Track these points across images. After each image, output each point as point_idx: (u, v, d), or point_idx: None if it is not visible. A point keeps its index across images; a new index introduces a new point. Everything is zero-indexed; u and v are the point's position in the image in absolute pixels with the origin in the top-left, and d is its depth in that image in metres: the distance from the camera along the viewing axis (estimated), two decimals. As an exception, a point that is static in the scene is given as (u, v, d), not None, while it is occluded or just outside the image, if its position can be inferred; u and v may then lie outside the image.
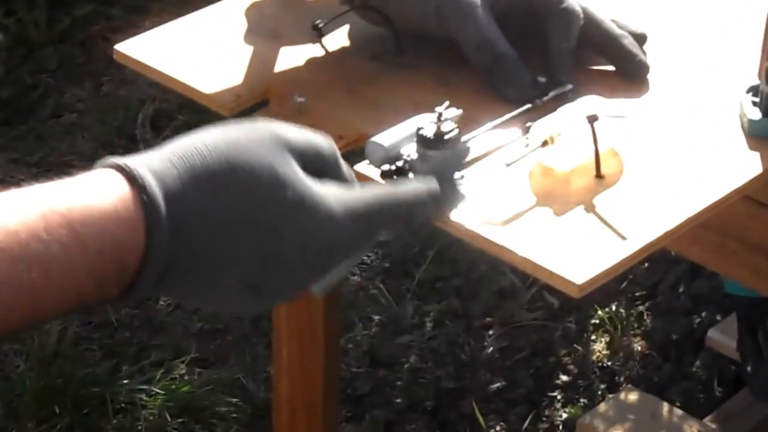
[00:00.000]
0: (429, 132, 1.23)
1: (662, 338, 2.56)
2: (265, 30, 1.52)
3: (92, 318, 2.59)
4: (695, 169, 1.33)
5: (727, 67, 1.48)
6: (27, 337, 2.49)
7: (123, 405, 2.42)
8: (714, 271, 1.79)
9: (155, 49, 1.49)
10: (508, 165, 1.28)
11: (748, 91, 1.40)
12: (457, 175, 1.25)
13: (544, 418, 2.44)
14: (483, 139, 1.32)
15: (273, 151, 0.91)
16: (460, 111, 1.27)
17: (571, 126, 1.30)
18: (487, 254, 1.24)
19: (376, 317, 2.61)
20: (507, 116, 1.36)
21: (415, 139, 1.24)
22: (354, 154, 1.27)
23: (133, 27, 3.26)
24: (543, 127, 1.31)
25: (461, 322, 2.60)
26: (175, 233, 0.87)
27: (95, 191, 0.86)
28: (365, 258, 2.72)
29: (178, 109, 3.01)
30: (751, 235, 1.49)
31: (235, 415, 2.41)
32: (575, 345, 2.56)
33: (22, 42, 3.26)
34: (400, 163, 1.23)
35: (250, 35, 1.51)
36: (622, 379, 2.50)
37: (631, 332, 2.59)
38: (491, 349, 2.56)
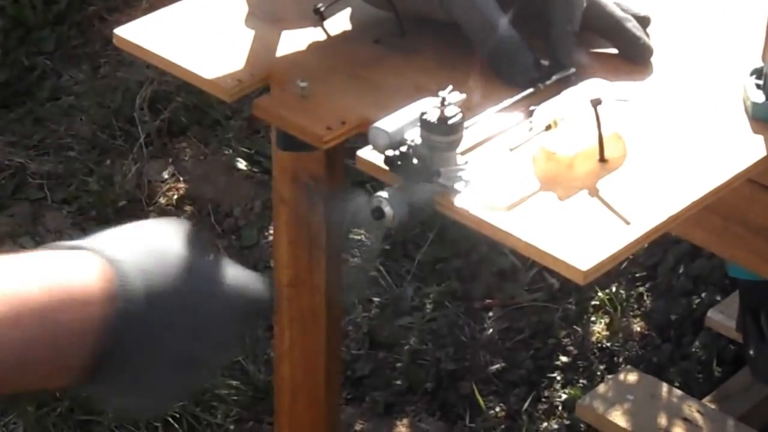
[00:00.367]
0: (432, 117, 1.23)
1: (662, 319, 2.56)
2: (266, 14, 1.51)
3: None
4: (699, 152, 1.33)
5: (731, 50, 1.47)
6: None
7: (123, 388, 2.42)
8: (717, 254, 1.78)
9: (155, 33, 1.48)
10: (511, 150, 1.27)
11: (751, 74, 1.39)
12: (460, 159, 1.25)
13: (543, 399, 2.44)
14: (486, 123, 1.31)
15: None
16: (463, 95, 1.26)
17: (574, 110, 1.29)
18: (488, 236, 1.24)
19: (376, 299, 2.60)
20: (510, 100, 1.35)
21: (418, 124, 1.24)
22: (358, 139, 1.27)
23: (130, 7, 3.25)
24: (546, 111, 1.30)
25: (461, 303, 2.60)
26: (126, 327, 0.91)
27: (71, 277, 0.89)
28: (365, 239, 2.72)
29: (176, 91, 3.00)
30: (755, 219, 1.49)
31: (235, 397, 2.41)
32: (575, 326, 2.56)
33: (18, 24, 3.25)
34: (403, 149, 1.23)
35: (251, 19, 1.50)
36: (621, 359, 2.50)
37: (631, 313, 2.59)
38: (491, 330, 2.56)
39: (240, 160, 2.89)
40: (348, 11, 1.52)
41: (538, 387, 2.45)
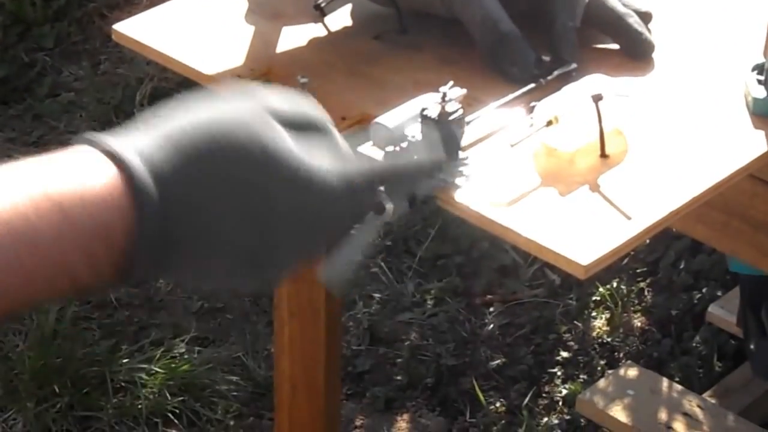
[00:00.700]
0: (433, 113, 1.23)
1: (662, 314, 2.56)
2: (267, 9, 1.51)
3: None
4: (700, 148, 1.33)
5: (732, 46, 1.47)
6: (26, 317, 2.48)
7: (123, 384, 2.42)
8: (718, 249, 1.78)
9: (154, 28, 1.48)
10: (512, 145, 1.27)
11: (753, 70, 1.39)
12: (461, 155, 1.25)
13: (544, 395, 2.44)
14: (487, 119, 1.31)
15: (262, 126, 0.90)
16: (464, 91, 1.26)
17: (575, 105, 1.29)
18: (489, 232, 1.24)
19: (377, 295, 2.60)
20: (511, 96, 1.35)
21: (419, 119, 1.23)
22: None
23: (130, 4, 3.25)
24: (547, 107, 1.30)
25: (462, 299, 2.60)
26: (166, 217, 0.86)
27: (84, 175, 0.86)
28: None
29: (176, 88, 2.99)
30: (756, 214, 1.49)
31: (235, 393, 2.41)
32: (575, 321, 2.56)
33: (18, 20, 3.25)
34: (404, 144, 1.22)
35: (252, 15, 1.50)
36: (621, 355, 2.50)
37: (632, 308, 2.59)
38: (492, 326, 2.56)
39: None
40: (348, 7, 1.52)
41: (539, 382, 2.46)
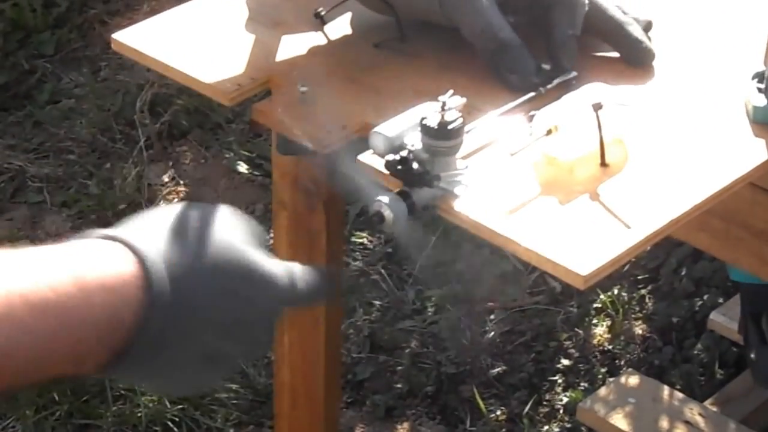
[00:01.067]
0: (432, 122, 1.22)
1: (664, 321, 2.56)
2: (267, 18, 1.51)
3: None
4: (700, 156, 1.32)
5: (732, 54, 1.47)
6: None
7: (122, 392, 2.41)
8: (719, 258, 1.78)
9: (154, 37, 1.48)
10: (512, 154, 1.27)
11: (753, 78, 1.39)
12: (461, 164, 1.24)
13: (544, 403, 2.44)
14: (487, 127, 1.31)
15: (251, 245, 0.97)
16: (464, 99, 1.26)
17: (575, 114, 1.29)
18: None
19: (377, 302, 2.60)
20: (511, 104, 1.35)
21: (419, 128, 1.23)
22: (359, 143, 1.27)
23: (130, 10, 3.24)
24: (547, 115, 1.30)
25: (463, 306, 2.59)
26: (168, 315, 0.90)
27: (110, 275, 0.89)
28: (367, 243, 2.71)
29: (177, 94, 2.99)
30: (756, 222, 1.48)
31: (235, 401, 2.41)
32: (576, 329, 2.56)
33: (18, 27, 3.25)
34: (404, 153, 1.22)
35: (251, 23, 1.50)
36: (622, 362, 2.50)
37: (633, 316, 2.58)
38: (492, 333, 2.55)
39: (241, 163, 2.88)
40: (348, 15, 1.51)
41: (540, 390, 2.45)
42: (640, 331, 2.56)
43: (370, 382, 2.47)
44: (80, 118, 3.03)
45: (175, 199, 2.81)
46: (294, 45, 1.47)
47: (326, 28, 1.50)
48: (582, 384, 2.46)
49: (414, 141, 1.23)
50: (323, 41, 1.48)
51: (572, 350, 2.53)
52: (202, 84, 1.41)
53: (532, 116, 1.31)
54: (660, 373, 2.44)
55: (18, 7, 3.26)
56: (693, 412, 2.19)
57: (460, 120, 1.23)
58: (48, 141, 2.97)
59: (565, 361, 2.50)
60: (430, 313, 2.59)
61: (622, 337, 2.54)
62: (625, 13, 1.45)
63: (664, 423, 2.18)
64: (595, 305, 2.60)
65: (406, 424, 2.41)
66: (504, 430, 2.38)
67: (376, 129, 1.24)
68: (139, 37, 1.47)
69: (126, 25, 1.51)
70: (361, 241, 2.70)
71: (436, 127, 1.22)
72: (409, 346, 2.53)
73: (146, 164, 2.87)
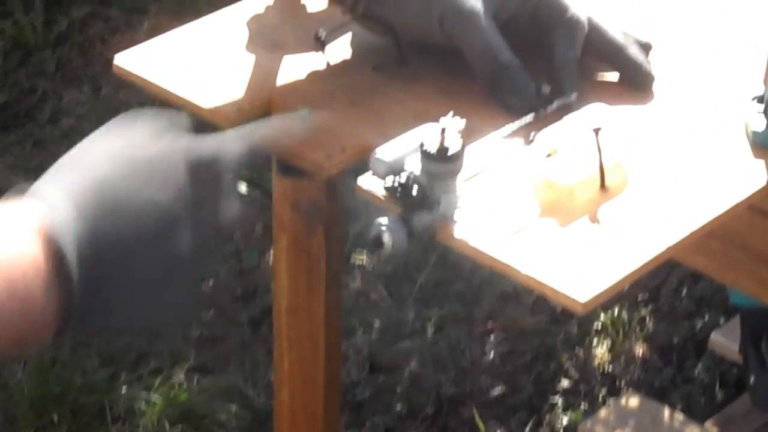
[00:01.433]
0: (432, 147, 1.22)
1: (664, 342, 2.55)
2: (267, 40, 1.51)
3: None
4: (700, 179, 1.32)
5: (733, 77, 1.47)
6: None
7: (121, 413, 2.41)
8: (718, 280, 1.78)
9: (154, 60, 1.47)
10: (511, 178, 1.27)
11: (753, 100, 1.39)
12: (460, 188, 1.24)
13: (544, 424, 2.43)
14: (486, 151, 1.31)
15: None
16: (463, 122, 1.26)
17: (575, 137, 1.29)
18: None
19: (377, 322, 2.60)
20: (511, 127, 1.35)
21: (418, 152, 1.23)
22: (359, 166, 1.27)
23: (131, 29, 3.25)
24: (547, 138, 1.29)
25: (463, 326, 2.59)
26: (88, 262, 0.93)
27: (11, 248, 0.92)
28: (366, 263, 2.71)
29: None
30: (756, 245, 1.48)
31: (234, 422, 2.40)
32: (577, 349, 2.55)
33: (18, 45, 3.25)
34: (403, 177, 1.22)
35: (251, 46, 1.50)
36: (623, 383, 2.49)
37: (633, 336, 2.58)
38: (492, 354, 2.55)
39: (241, 182, 2.88)
40: (348, 38, 1.51)
41: (540, 411, 2.45)
42: (641, 352, 2.56)
43: (369, 402, 2.46)
44: (81, 137, 3.02)
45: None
46: (294, 67, 1.47)
47: (327, 49, 1.49)
48: (582, 405, 2.45)
49: (414, 165, 1.23)
50: (323, 64, 1.48)
51: (572, 371, 2.52)
52: (203, 110, 1.41)
53: (532, 139, 1.31)
54: (660, 393, 2.43)
55: (18, 25, 3.26)
56: (693, 433, 2.19)
57: (460, 144, 1.23)
58: (48, 161, 2.95)
59: (566, 382, 2.50)
60: (430, 334, 2.59)
61: (622, 358, 2.54)
62: (625, 35, 1.45)
63: (665, 444, 2.18)
64: (595, 326, 2.60)
65: (405, 446, 2.41)
66: (504, 451, 2.38)
67: (376, 152, 1.24)
68: (139, 60, 1.47)
69: (127, 44, 1.51)
70: (360, 262, 2.70)
71: (435, 152, 1.22)
72: (409, 367, 2.52)
73: (146, 183, 2.87)
